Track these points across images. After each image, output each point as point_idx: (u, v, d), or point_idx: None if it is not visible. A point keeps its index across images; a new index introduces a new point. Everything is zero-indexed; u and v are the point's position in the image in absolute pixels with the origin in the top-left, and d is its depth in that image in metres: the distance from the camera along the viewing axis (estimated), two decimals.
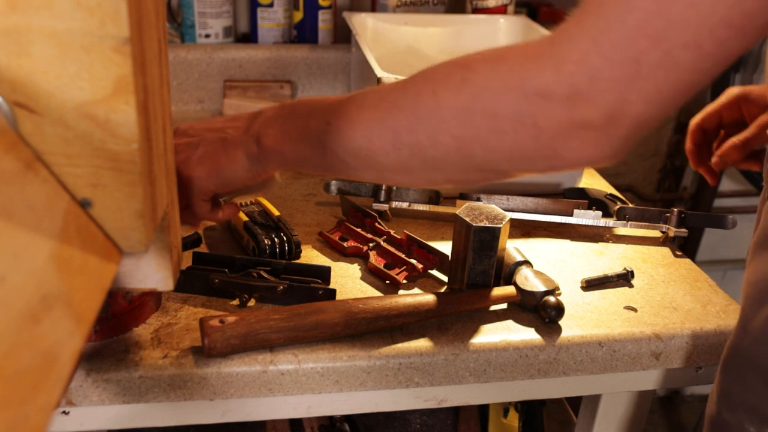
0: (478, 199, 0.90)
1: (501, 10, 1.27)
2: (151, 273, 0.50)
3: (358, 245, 0.81)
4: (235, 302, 0.71)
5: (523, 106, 0.47)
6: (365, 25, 1.19)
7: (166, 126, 0.50)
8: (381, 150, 0.55)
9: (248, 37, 1.32)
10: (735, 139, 0.78)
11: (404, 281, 0.75)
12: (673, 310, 0.74)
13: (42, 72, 0.39)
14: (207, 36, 1.25)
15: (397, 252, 0.79)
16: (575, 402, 0.91)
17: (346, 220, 0.86)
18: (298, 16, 1.26)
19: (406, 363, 0.66)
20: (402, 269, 0.76)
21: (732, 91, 0.81)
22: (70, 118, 0.40)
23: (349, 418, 1.05)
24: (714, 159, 0.81)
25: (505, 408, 1.05)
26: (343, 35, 1.31)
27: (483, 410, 1.08)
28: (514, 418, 1.03)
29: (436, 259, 0.77)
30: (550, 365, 0.69)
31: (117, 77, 0.39)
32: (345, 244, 0.81)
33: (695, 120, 0.83)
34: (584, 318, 0.72)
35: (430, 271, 0.78)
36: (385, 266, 0.77)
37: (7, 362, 0.31)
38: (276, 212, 0.83)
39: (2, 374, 0.30)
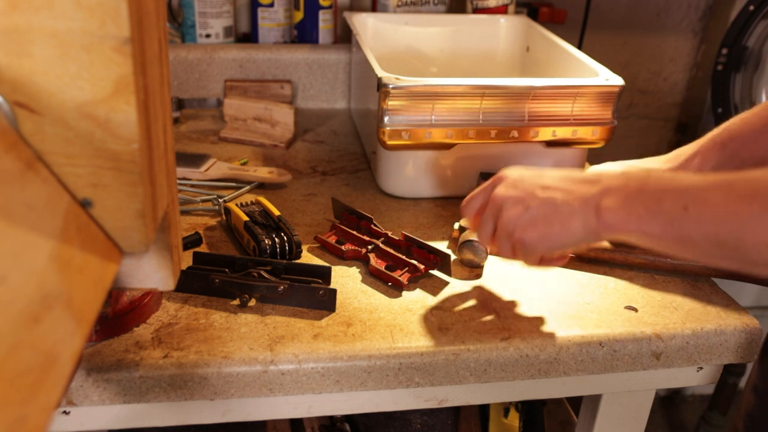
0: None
1: (501, 10, 1.27)
2: (152, 273, 0.50)
3: (356, 248, 0.80)
4: (236, 302, 0.71)
5: None
6: (365, 25, 1.19)
7: (167, 126, 0.50)
8: (753, 247, 0.51)
9: (249, 37, 1.32)
10: None
11: (407, 282, 0.75)
12: (674, 310, 0.74)
13: (42, 72, 0.39)
14: (207, 36, 1.25)
15: (396, 253, 0.78)
16: (576, 402, 0.91)
17: (340, 223, 0.85)
18: (299, 16, 1.26)
19: (407, 363, 0.66)
20: (404, 270, 0.76)
21: (588, 172, 0.85)
22: (71, 118, 0.40)
23: (349, 418, 1.05)
24: None
25: (505, 408, 1.05)
26: (344, 35, 1.31)
27: (483, 410, 1.08)
28: (514, 418, 1.03)
29: (437, 258, 0.77)
30: (551, 365, 0.69)
31: (117, 77, 0.39)
32: (343, 248, 0.80)
33: None
34: (584, 318, 0.72)
35: (431, 272, 0.78)
36: (386, 268, 0.77)
37: (7, 362, 0.31)
38: (276, 212, 0.83)
39: (2, 374, 0.30)
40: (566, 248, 0.65)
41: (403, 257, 0.77)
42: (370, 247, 0.80)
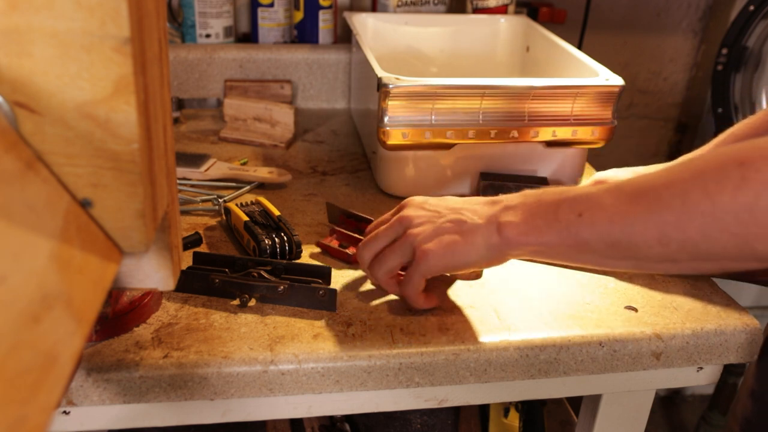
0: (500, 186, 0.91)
1: (501, 10, 1.27)
2: (152, 273, 0.50)
3: None
4: (236, 302, 0.71)
5: None
6: (365, 25, 1.19)
7: (167, 126, 0.50)
8: (644, 244, 0.54)
9: (249, 37, 1.32)
10: None
11: None
12: (674, 310, 0.74)
13: (42, 72, 0.39)
14: (207, 36, 1.25)
15: None
16: (576, 402, 0.91)
17: (339, 227, 0.84)
18: (299, 16, 1.26)
19: (407, 363, 0.66)
20: None
21: (593, 177, 0.88)
22: (71, 118, 0.40)
23: (349, 418, 1.05)
24: None
25: (505, 408, 1.05)
26: (344, 35, 1.31)
27: (483, 410, 1.08)
28: (514, 418, 1.03)
29: None
30: (551, 365, 0.69)
31: (117, 77, 0.39)
32: (348, 251, 0.79)
33: None
34: (584, 318, 0.72)
35: None
36: None
37: (7, 362, 0.31)
38: (276, 212, 0.83)
39: (2, 374, 0.30)
40: (468, 266, 0.66)
41: None
42: None
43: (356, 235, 0.81)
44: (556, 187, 0.63)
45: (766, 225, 0.49)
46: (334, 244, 0.81)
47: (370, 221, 0.83)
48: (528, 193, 0.64)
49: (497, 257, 0.64)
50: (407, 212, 0.69)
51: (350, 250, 0.80)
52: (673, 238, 0.53)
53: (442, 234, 0.65)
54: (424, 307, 0.70)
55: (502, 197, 0.66)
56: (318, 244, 0.82)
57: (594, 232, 0.57)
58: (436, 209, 0.68)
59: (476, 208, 0.66)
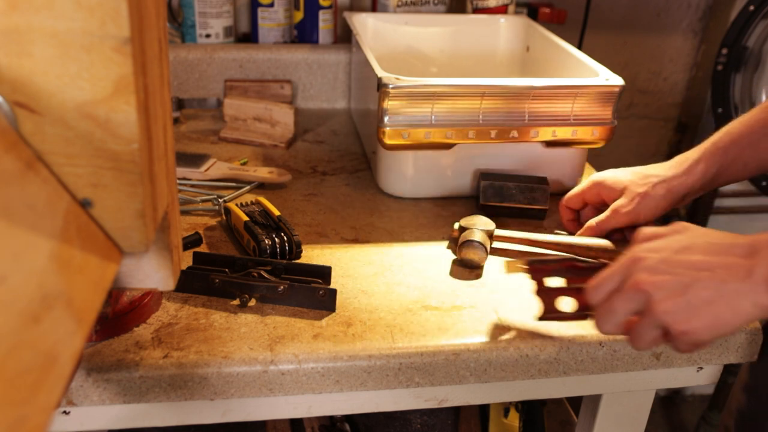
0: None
1: (501, 10, 1.27)
2: (152, 273, 0.50)
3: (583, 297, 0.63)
4: (236, 302, 0.71)
5: None
6: (366, 25, 1.19)
7: (167, 126, 0.50)
8: None
9: (249, 37, 1.32)
10: (591, 221, 0.84)
11: None
12: None
13: (43, 72, 0.39)
14: (207, 36, 1.25)
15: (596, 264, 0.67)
16: (576, 402, 0.91)
17: (540, 282, 0.67)
18: (299, 16, 1.26)
19: (407, 363, 0.66)
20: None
21: (591, 178, 0.87)
22: (71, 118, 0.40)
23: (349, 418, 1.05)
24: (577, 234, 0.86)
25: (505, 408, 1.05)
26: (344, 35, 1.31)
27: (483, 410, 1.08)
28: (514, 418, 1.03)
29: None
30: (551, 365, 0.69)
31: (117, 77, 0.39)
32: (590, 313, 0.66)
33: (562, 200, 0.90)
34: None
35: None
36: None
37: (7, 362, 0.31)
38: (276, 212, 0.83)
39: (3, 374, 0.30)
40: (730, 333, 0.58)
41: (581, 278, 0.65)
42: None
43: (570, 280, 0.67)
44: None
45: None
46: (563, 307, 0.68)
47: (571, 260, 0.71)
48: None
49: (765, 316, 0.55)
50: (644, 277, 0.57)
51: (582, 302, 0.66)
52: None
53: (697, 305, 0.55)
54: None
55: (749, 242, 0.56)
56: (550, 317, 0.68)
57: None
58: (678, 269, 0.56)
59: (728, 261, 0.55)
